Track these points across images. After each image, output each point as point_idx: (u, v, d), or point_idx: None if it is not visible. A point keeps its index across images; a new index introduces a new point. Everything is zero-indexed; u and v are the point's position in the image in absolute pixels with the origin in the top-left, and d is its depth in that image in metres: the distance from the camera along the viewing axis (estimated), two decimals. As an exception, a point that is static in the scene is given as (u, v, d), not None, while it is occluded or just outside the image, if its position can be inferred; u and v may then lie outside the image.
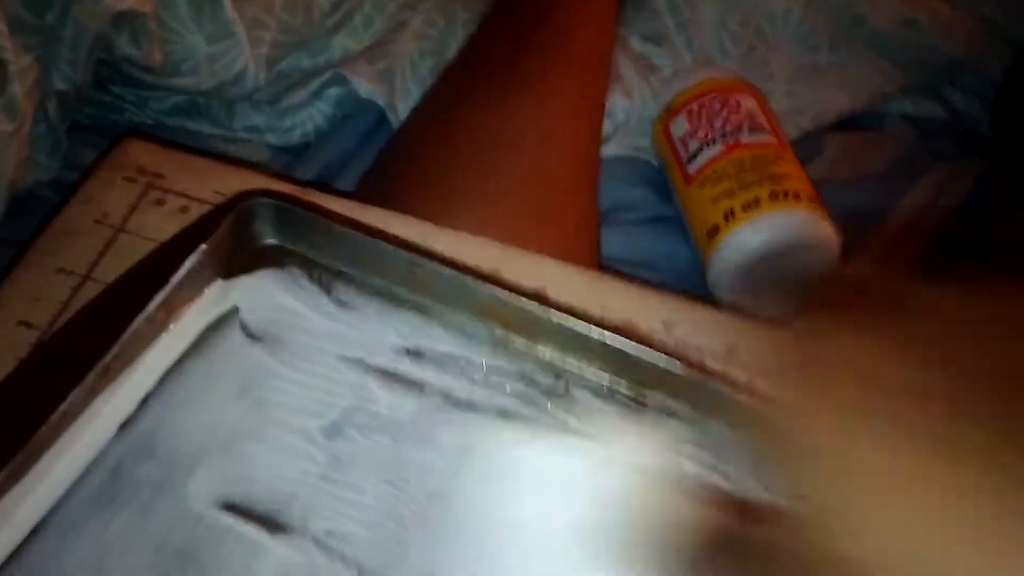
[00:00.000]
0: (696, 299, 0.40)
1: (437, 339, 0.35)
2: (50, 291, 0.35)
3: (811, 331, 0.30)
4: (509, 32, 0.56)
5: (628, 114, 0.61)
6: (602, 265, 0.55)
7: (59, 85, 0.46)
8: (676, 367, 0.33)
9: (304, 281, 0.36)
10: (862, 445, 0.27)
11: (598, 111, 0.56)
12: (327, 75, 0.58)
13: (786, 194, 0.51)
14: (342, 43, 0.60)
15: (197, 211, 0.38)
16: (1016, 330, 0.28)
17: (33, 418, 0.27)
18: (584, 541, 0.30)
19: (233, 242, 0.35)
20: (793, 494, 0.30)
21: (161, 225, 0.37)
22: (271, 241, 0.36)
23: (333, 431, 0.32)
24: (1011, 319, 0.28)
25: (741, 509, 0.32)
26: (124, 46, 0.49)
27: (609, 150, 0.61)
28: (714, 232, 0.52)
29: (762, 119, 0.56)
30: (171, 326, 0.32)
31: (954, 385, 0.27)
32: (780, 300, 0.55)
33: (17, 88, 0.42)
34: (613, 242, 0.57)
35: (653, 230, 0.59)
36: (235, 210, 0.35)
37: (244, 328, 0.34)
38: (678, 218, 0.58)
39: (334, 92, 0.59)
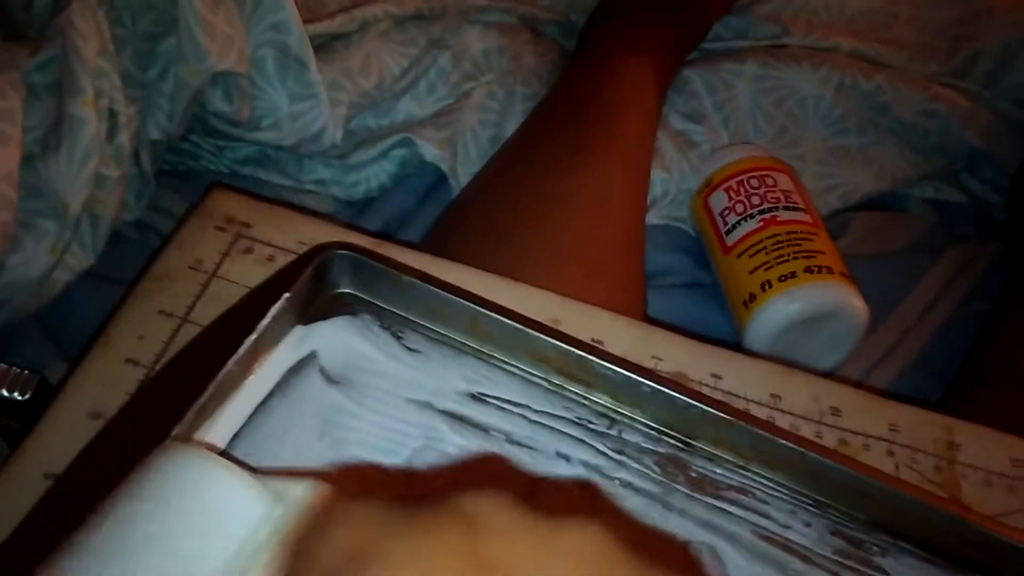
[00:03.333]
0: (742, 352, 0.40)
1: (499, 385, 0.35)
2: (153, 331, 0.36)
3: None
4: (566, 110, 0.57)
5: (666, 186, 0.61)
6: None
7: (155, 135, 0.47)
8: (721, 415, 0.33)
9: (376, 328, 0.36)
10: None
11: (643, 180, 0.57)
12: (396, 138, 0.59)
13: (820, 269, 0.52)
14: (407, 107, 0.61)
15: (283, 259, 0.39)
16: None
17: (139, 454, 0.27)
18: None
19: (312, 290, 0.35)
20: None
21: (250, 272, 0.38)
22: (346, 290, 0.36)
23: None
24: None
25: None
26: (216, 102, 0.50)
27: (649, 219, 0.61)
28: (751, 300, 0.52)
29: (797, 197, 0.56)
30: (257, 369, 0.32)
31: None
32: (809, 365, 0.55)
33: (124, 137, 0.43)
34: (653, 305, 0.57)
35: (690, 295, 0.59)
36: (315, 261, 0.35)
37: (322, 371, 0.34)
38: (714, 285, 0.58)
39: (399, 153, 0.60)
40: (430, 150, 0.59)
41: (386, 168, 0.60)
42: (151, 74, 0.45)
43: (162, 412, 0.29)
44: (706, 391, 0.38)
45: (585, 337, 0.38)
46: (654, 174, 0.61)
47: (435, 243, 0.51)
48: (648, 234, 0.60)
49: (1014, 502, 0.37)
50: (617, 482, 0.33)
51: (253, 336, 0.32)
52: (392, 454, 0.32)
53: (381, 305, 0.36)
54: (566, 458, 0.34)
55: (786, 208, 0.55)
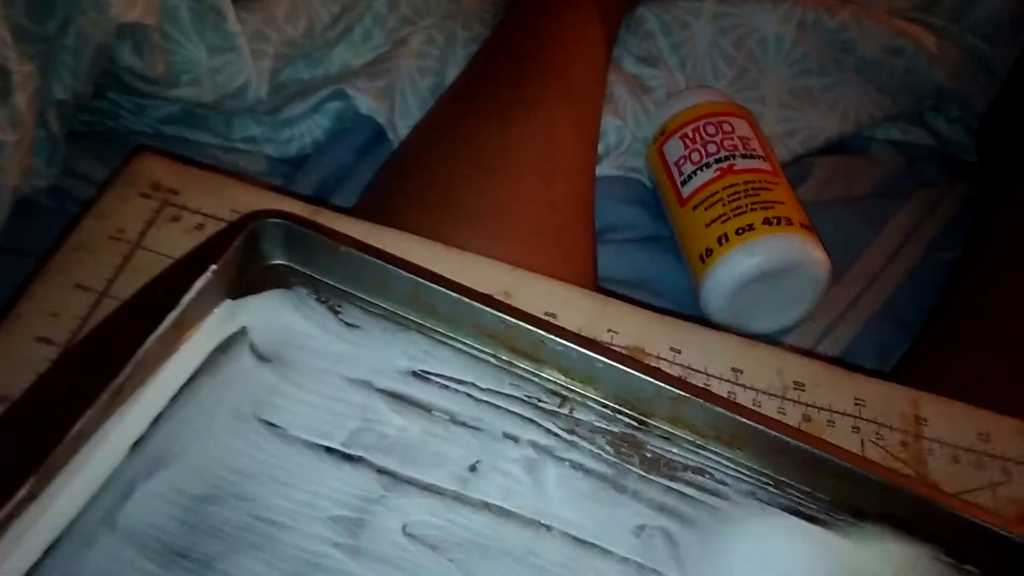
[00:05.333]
0: (702, 324, 0.41)
1: (444, 362, 0.35)
2: (68, 307, 0.35)
3: None
4: (508, 57, 0.57)
5: (621, 134, 0.61)
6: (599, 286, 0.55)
7: (60, 94, 0.46)
8: (678, 393, 0.34)
9: (312, 302, 0.36)
10: None
11: (593, 131, 0.57)
12: (328, 90, 0.58)
13: (779, 220, 0.52)
14: (341, 56, 0.60)
15: (213, 228, 0.38)
16: None
17: (49, 436, 0.28)
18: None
19: (242, 262, 0.35)
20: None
21: (177, 241, 0.37)
22: (280, 261, 0.36)
23: (342, 453, 0.33)
24: None
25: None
26: (126, 56, 0.48)
27: (602, 170, 0.61)
28: (708, 255, 0.53)
29: (755, 144, 0.57)
30: (182, 347, 0.32)
31: None
32: (768, 321, 0.56)
33: (20, 98, 0.42)
34: (607, 261, 0.57)
35: (646, 249, 0.59)
36: (245, 231, 0.35)
37: (253, 349, 0.34)
38: (671, 238, 0.59)
39: (334, 106, 0.59)
40: (365, 102, 0.58)
41: (320, 123, 0.59)
42: (50, 27, 0.43)
43: (74, 393, 0.29)
44: (664, 366, 0.38)
45: (536, 310, 0.38)
46: (607, 121, 0.61)
47: (372, 205, 0.51)
48: (602, 186, 0.60)
49: (981, 478, 0.38)
50: (567, 463, 0.34)
51: (175, 312, 0.31)
52: (327, 436, 0.32)
53: (317, 277, 0.36)
54: (514, 439, 0.34)
55: (744, 156, 0.55)
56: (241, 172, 0.57)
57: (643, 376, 0.35)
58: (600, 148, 0.61)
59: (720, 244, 0.52)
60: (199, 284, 0.32)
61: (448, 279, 0.36)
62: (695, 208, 0.55)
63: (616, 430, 0.35)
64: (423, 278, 0.35)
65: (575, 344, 0.35)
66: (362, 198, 0.53)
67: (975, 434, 0.39)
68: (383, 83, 0.59)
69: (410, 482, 0.32)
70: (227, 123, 0.57)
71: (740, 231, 0.52)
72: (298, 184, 0.57)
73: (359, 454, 0.32)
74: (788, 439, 0.34)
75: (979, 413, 0.40)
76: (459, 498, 0.32)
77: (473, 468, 0.33)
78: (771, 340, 0.56)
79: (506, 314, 0.35)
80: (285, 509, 0.31)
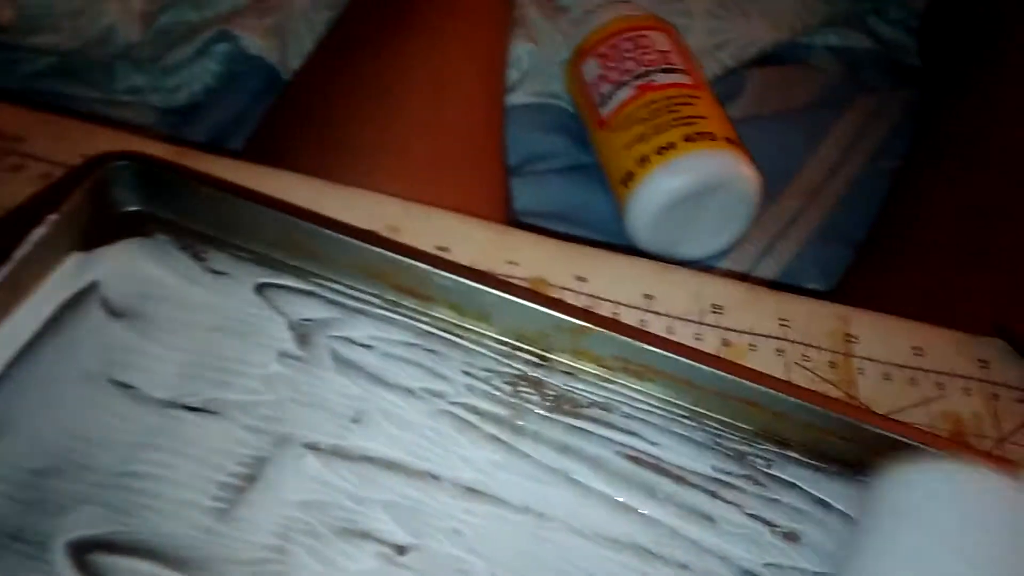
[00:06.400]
0: (611, 250, 0.39)
1: (323, 305, 0.33)
2: None
3: None
4: None
5: (535, 59, 0.59)
6: (518, 221, 0.53)
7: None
8: (578, 324, 0.32)
9: (173, 250, 0.34)
10: None
11: (494, 57, 0.54)
12: (212, 31, 0.56)
13: (701, 135, 0.50)
14: (230, -6, 0.58)
15: (63, 177, 0.36)
16: None
17: None
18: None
19: (91, 210, 0.33)
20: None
21: (21, 194, 0.34)
22: (135, 207, 0.34)
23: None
24: None
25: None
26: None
27: (518, 98, 0.59)
28: (629, 178, 0.51)
29: (676, 57, 0.55)
30: (19, 306, 0.30)
31: None
32: (701, 246, 0.54)
33: None
34: (526, 194, 0.55)
35: (569, 179, 0.57)
36: (91, 175, 0.33)
37: (105, 304, 0.32)
38: (597, 165, 0.57)
39: (222, 49, 0.57)
40: (253, 41, 0.55)
41: (209, 68, 0.57)
42: None
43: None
44: (568, 296, 0.36)
45: (426, 245, 0.36)
46: (519, 46, 0.58)
47: (254, 148, 0.48)
48: (519, 115, 0.58)
49: (914, 395, 0.36)
50: (461, 407, 0.32)
51: (5, 268, 0.29)
52: (190, 394, 0.30)
53: (179, 223, 0.34)
54: (401, 385, 0.32)
55: (663, 71, 0.53)
56: (121, 123, 0.54)
57: (541, 308, 0.33)
58: (514, 75, 0.59)
59: (641, 166, 0.50)
60: (35, 236, 0.30)
61: (322, 216, 0.34)
62: (615, 130, 0.53)
63: (514, 369, 0.33)
64: (295, 216, 0.33)
65: (464, 278, 0.33)
66: (248, 141, 0.51)
67: (909, 349, 0.38)
68: (272, 21, 0.56)
69: (285, 438, 0.30)
70: (108, 74, 0.55)
71: (661, 150, 0.50)
72: (189, 133, 0.54)
73: (225, 411, 0.30)
74: (702, 367, 0.32)
75: (912, 327, 0.39)
76: (339, 451, 0.30)
77: (356, 419, 0.31)
78: (706, 266, 0.55)
79: (388, 249, 0.33)
80: (142, 475, 0.29)
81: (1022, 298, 0.45)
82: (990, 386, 0.38)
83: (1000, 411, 0.37)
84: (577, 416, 0.32)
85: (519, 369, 0.33)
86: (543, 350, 0.33)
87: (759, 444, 0.33)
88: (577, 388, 0.33)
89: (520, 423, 0.32)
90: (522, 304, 0.33)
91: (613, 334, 0.32)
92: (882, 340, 0.38)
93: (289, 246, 0.34)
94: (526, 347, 0.34)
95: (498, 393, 0.33)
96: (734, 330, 0.37)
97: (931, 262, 0.49)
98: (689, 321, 0.37)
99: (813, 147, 0.60)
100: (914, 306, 0.41)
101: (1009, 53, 0.56)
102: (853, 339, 0.38)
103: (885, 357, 0.37)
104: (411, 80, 0.47)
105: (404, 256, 0.33)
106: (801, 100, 0.64)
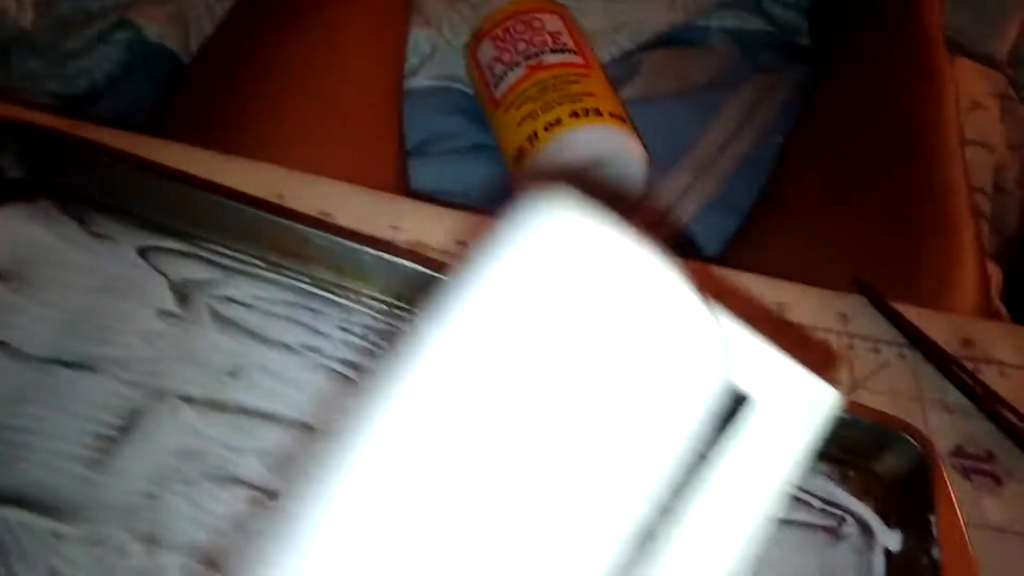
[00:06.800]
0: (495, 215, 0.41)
1: (205, 266, 0.35)
2: None
3: None
4: None
5: (435, 44, 0.61)
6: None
7: None
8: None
9: (56, 214, 0.35)
10: None
11: (392, 39, 0.56)
12: (111, 18, 0.57)
13: (587, 111, 0.52)
14: (131, -19, 0.59)
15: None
16: None
17: None
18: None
19: (-30, 177, 0.34)
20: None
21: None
22: (17, 173, 0.35)
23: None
24: None
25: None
26: None
27: (419, 82, 0.61)
28: (520, 155, 0.53)
29: (566, 38, 0.56)
30: None
31: None
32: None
33: None
34: (428, 174, 0.57)
35: (470, 159, 0.59)
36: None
37: (-13, 267, 0.33)
38: (495, 145, 0.58)
39: (123, 36, 0.58)
40: (153, 29, 0.56)
41: (110, 55, 0.57)
42: None
43: None
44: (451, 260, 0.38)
45: (311, 210, 0.38)
46: (417, 32, 0.60)
47: (155, 125, 0.49)
48: (419, 98, 0.60)
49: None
50: (337, 362, 0.33)
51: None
52: (67, 351, 0.32)
53: (63, 189, 0.35)
54: (279, 341, 0.33)
55: (553, 51, 0.55)
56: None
57: (418, 267, 0.34)
58: (414, 59, 0.60)
59: (531, 143, 0.52)
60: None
61: (206, 180, 0.35)
62: (507, 109, 0.55)
63: (391, 326, 0.35)
64: (178, 181, 0.35)
65: (342, 238, 0.35)
66: (147, 119, 0.52)
67: (774, 305, 0.40)
68: (173, 8, 0.57)
69: (161, 391, 0.32)
70: (3, 59, 0.55)
71: (548, 126, 0.52)
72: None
73: (103, 367, 0.32)
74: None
75: (776, 284, 0.41)
76: (215, 404, 0.32)
77: (233, 373, 0.33)
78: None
79: (269, 212, 0.35)
80: (18, 428, 0.30)
81: (881, 257, 0.48)
82: (847, 337, 0.40)
83: (855, 360, 0.39)
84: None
85: (396, 326, 0.35)
86: (419, 308, 0.35)
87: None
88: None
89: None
90: (399, 263, 0.34)
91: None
92: (744, 299, 0.40)
93: (172, 210, 0.35)
94: (403, 304, 0.35)
95: (375, 349, 0.34)
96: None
97: (800, 225, 0.51)
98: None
99: (706, 124, 0.63)
100: (787, 265, 0.44)
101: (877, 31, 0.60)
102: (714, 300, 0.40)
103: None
104: (306, 63, 0.49)
105: (285, 218, 0.35)
106: (696, 80, 0.66)
